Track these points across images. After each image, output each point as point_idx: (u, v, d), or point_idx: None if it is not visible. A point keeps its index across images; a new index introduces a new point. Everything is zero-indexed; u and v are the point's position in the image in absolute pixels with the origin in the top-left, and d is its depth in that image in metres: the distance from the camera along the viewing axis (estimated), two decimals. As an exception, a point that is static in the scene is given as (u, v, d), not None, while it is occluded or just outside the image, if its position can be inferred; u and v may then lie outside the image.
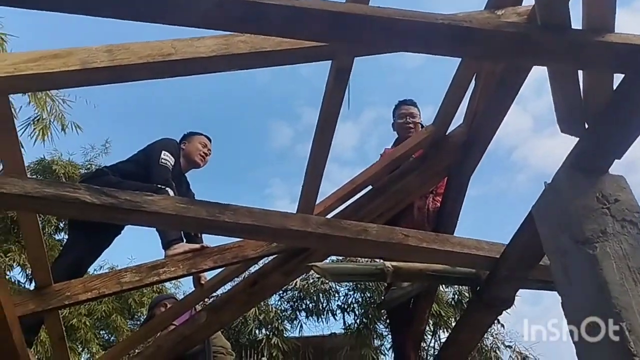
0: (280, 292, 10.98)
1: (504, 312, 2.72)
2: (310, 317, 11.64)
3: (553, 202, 1.84)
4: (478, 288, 2.56)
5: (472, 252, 2.41)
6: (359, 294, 11.51)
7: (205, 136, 3.94)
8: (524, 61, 2.17)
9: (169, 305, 3.98)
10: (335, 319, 11.79)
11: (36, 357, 3.13)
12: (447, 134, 3.24)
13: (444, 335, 10.88)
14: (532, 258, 2.28)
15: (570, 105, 1.88)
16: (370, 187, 3.30)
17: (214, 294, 4.40)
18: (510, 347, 11.01)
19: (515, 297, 2.56)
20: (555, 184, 1.86)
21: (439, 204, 3.55)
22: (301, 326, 11.86)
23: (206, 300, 4.05)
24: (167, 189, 3.20)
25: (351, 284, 11.39)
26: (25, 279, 10.24)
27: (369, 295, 11.26)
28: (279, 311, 11.61)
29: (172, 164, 3.50)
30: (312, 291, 11.27)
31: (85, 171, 11.29)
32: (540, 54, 1.64)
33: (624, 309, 1.43)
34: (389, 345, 11.94)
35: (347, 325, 11.82)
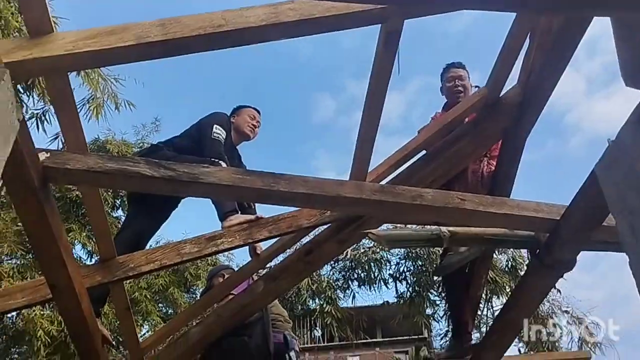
0: (332, 262, 11.07)
1: (562, 276, 2.65)
2: (362, 286, 11.73)
3: (618, 160, 1.77)
4: (538, 251, 2.51)
5: (531, 214, 2.36)
6: (410, 262, 11.51)
7: (254, 108, 3.97)
8: (588, 12, 2.06)
9: (226, 276, 4.08)
10: (388, 288, 11.84)
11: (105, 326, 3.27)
12: (500, 95, 3.15)
13: (497, 303, 10.79)
14: (595, 218, 2.22)
15: (637, 57, 1.79)
16: (422, 153, 3.26)
17: (270, 264, 4.47)
18: (567, 312, 10.83)
19: (576, 260, 2.51)
20: (620, 141, 1.78)
21: (493, 168, 3.48)
22: (354, 296, 11.97)
23: (262, 270, 4.12)
24: (220, 162, 3.25)
25: (402, 252, 11.39)
26: (86, 256, 10.66)
27: (420, 263, 11.25)
28: (331, 281, 11.73)
29: (224, 137, 3.54)
30: (363, 261, 11.33)
31: (138, 149, 11.58)
32: (606, 2, 1.56)
33: (698, 267, 1.38)
34: (441, 313, 11.95)
35: (399, 293, 11.86)
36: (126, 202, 11.10)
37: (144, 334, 11.25)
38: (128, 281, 3.54)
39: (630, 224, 1.66)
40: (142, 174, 2.04)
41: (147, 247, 3.36)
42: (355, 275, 11.55)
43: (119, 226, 4.68)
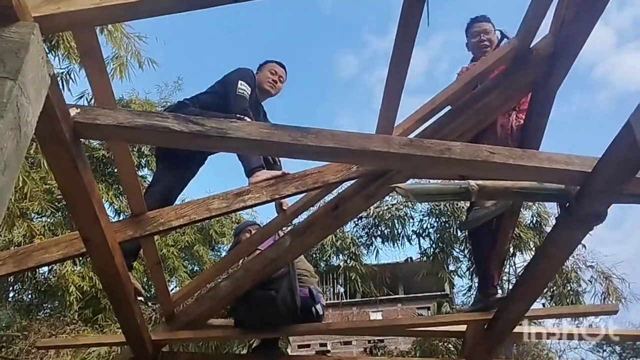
0: (355, 219, 11.12)
1: (592, 229, 2.63)
2: (385, 243, 11.78)
3: (656, 109, 1.73)
4: (568, 204, 2.48)
5: (562, 167, 2.32)
6: (434, 219, 11.50)
7: (277, 63, 3.93)
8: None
9: (253, 232, 4.13)
10: (411, 244, 11.88)
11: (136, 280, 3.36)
12: (531, 46, 3.07)
13: (520, 259, 10.78)
14: (628, 171, 2.18)
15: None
16: (450, 107, 3.22)
17: (296, 219, 4.51)
18: (592, 267, 10.78)
19: (607, 212, 2.47)
20: (658, 89, 1.74)
21: (522, 121, 3.43)
22: (377, 252, 12.04)
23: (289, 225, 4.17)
24: (245, 118, 3.25)
25: (426, 209, 11.38)
26: (113, 214, 10.86)
27: (444, 220, 11.23)
28: (354, 238, 11.82)
29: (249, 93, 3.54)
30: (387, 217, 11.34)
31: (161, 109, 11.62)
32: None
33: None
34: (464, 269, 12.00)
35: (422, 250, 11.91)
36: (149, 162, 11.30)
37: (172, 289, 11.51)
38: (156, 237, 3.60)
39: (667, 174, 1.63)
40: (171, 128, 2.05)
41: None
42: (379, 232, 11.59)
43: (145, 185, 4.75)
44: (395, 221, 11.35)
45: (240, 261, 4.07)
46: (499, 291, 3.76)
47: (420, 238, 11.66)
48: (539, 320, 7.24)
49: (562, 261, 3.20)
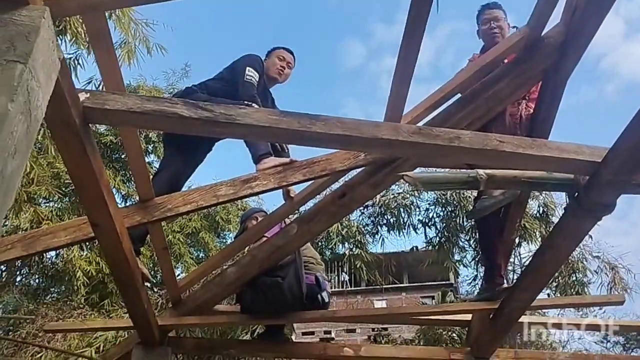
0: (362, 207, 11.10)
1: (600, 220, 2.61)
2: (391, 232, 11.76)
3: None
4: (576, 194, 2.47)
5: (571, 156, 2.31)
6: (440, 208, 11.46)
7: (286, 49, 3.92)
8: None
9: (259, 219, 4.14)
10: (417, 233, 11.86)
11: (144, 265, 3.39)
12: (542, 34, 3.04)
13: (525, 249, 10.75)
14: (638, 161, 2.17)
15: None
16: (459, 96, 3.20)
17: (303, 207, 4.51)
18: (598, 257, 10.74)
19: (616, 202, 2.46)
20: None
21: (532, 110, 3.41)
22: (383, 241, 12.04)
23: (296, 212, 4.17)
24: (253, 104, 3.25)
25: (432, 198, 11.35)
26: (121, 200, 10.88)
27: (450, 209, 11.19)
28: (360, 226, 11.81)
29: (257, 79, 3.53)
30: (392, 206, 11.31)
31: (169, 95, 11.60)
32: None
33: None
34: (470, 258, 11.99)
35: (428, 239, 11.90)
36: (157, 148, 11.31)
37: (178, 275, 11.54)
38: (163, 223, 3.62)
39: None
40: (180, 114, 2.04)
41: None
42: (385, 221, 11.56)
43: (153, 171, 4.75)
44: (401, 210, 11.32)
45: (247, 248, 4.08)
46: (505, 281, 3.76)
47: (426, 227, 11.64)
48: (544, 311, 7.25)
49: (570, 251, 3.19)
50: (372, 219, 11.82)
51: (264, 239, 3.76)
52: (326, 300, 3.75)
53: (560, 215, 2.76)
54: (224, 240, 12.97)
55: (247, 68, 3.49)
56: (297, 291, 3.58)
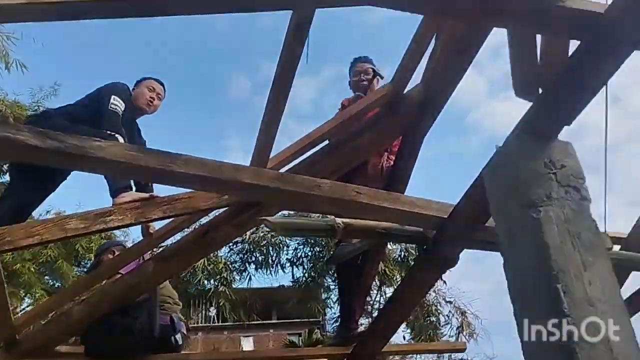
0: (231, 244, 10.99)
1: (446, 272, 2.79)
2: (259, 270, 11.75)
3: (503, 166, 1.88)
4: (425, 247, 2.61)
5: (421, 211, 2.45)
6: (308, 248, 11.67)
7: (156, 80, 3.81)
8: (486, 21, 2.15)
9: (117, 253, 3.93)
10: (284, 272, 11.95)
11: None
12: (404, 93, 3.23)
13: (389, 291, 11.20)
14: (479, 219, 2.34)
15: (527, 69, 1.90)
16: (325, 143, 3.29)
17: (163, 244, 4.35)
18: (450, 302, 11.45)
19: (459, 257, 2.63)
20: (505, 148, 1.89)
21: (392, 162, 3.58)
22: (250, 278, 11.98)
23: (155, 249, 4.00)
24: (116, 135, 3.11)
25: (301, 238, 11.50)
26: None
27: (318, 249, 11.43)
28: (228, 263, 11.66)
29: (123, 109, 3.39)
30: (262, 244, 11.34)
31: (32, 112, 10.84)
32: (503, 14, 1.64)
33: (561, 272, 1.48)
34: (335, 298, 12.25)
35: (295, 278, 12.01)
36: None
37: (25, 307, 10.63)
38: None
39: (508, 227, 1.77)
40: (27, 143, 1.91)
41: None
42: (253, 258, 11.55)
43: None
44: (271, 248, 11.38)
45: (99, 284, 3.84)
46: (358, 326, 3.85)
47: (294, 266, 11.77)
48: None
49: (418, 300, 3.36)
50: (240, 255, 11.74)
51: (119, 275, 3.56)
52: (179, 342, 3.61)
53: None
54: (84, 270, 12.21)
55: (112, 97, 3.34)
56: (149, 332, 3.41)
